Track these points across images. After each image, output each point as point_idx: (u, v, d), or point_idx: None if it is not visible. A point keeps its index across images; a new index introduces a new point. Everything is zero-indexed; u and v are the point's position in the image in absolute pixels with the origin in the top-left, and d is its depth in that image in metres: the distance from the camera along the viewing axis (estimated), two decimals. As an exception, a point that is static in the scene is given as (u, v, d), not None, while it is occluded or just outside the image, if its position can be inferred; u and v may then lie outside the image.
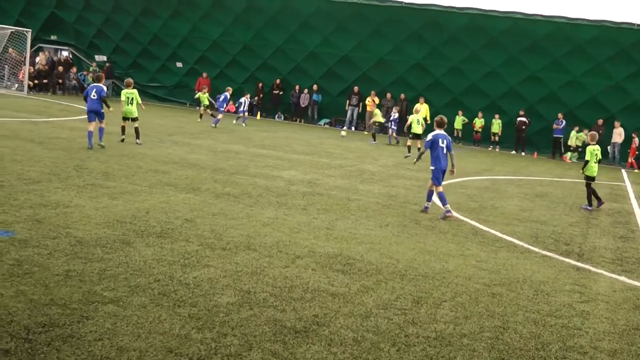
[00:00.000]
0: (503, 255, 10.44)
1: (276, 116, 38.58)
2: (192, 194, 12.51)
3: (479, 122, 34.60)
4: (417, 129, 24.91)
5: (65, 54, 43.41)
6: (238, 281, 7.63)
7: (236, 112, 33.56)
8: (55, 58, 42.01)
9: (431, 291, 8.13)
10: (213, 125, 28.25)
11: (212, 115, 30.41)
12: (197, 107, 34.27)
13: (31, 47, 37.98)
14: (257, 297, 7.18)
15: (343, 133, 32.05)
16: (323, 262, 8.86)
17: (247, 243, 9.37)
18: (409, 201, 14.68)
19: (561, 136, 33.29)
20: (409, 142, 25.40)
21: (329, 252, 9.37)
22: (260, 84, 38.36)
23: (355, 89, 36.36)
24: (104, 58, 42.17)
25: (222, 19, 38.36)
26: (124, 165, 15.06)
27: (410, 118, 25.41)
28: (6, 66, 38.76)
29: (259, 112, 37.74)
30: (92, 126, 17.57)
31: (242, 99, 32.25)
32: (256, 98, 37.99)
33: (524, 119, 33.50)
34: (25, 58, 37.21)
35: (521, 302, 8.10)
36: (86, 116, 17.92)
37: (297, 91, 37.83)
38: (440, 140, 13.27)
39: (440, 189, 13.33)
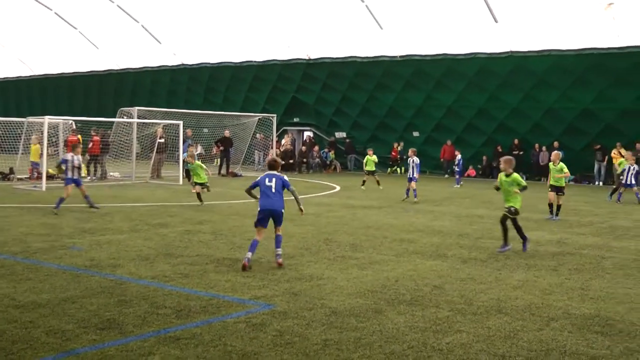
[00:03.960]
0: None
1: (517, 177, 37.81)
2: (439, 261, 12.59)
3: None
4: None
5: (307, 134, 45.79)
6: (492, 345, 7.55)
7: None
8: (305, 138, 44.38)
9: None
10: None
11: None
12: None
13: (276, 131, 40.51)
14: (512, 361, 7.06)
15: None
16: (580, 323, 8.53)
17: (498, 307, 9.25)
18: (670, 256, 13.75)
19: None
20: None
21: (585, 314, 9.00)
22: (498, 147, 37.97)
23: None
24: (344, 134, 43.89)
25: (455, 85, 38.65)
26: (370, 236, 15.50)
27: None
28: (256, 151, 41.63)
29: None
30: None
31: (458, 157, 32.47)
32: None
33: None
34: (272, 141, 39.75)
35: None
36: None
37: (537, 150, 36.99)
38: (267, 180, 11.84)
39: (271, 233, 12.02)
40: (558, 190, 19.74)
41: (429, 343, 7.59)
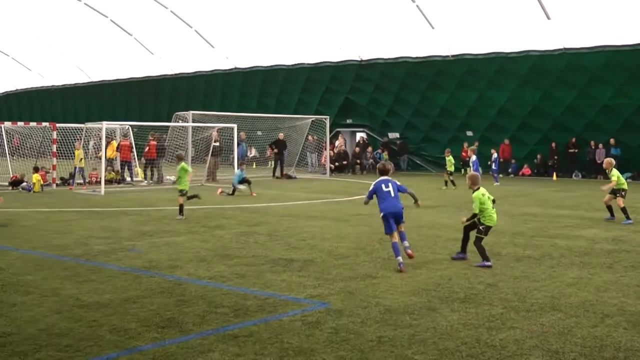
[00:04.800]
0: None
1: (573, 175, 37.42)
2: (493, 259, 12.59)
3: None
4: None
5: (360, 135, 45.92)
6: (545, 342, 7.61)
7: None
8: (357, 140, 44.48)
9: None
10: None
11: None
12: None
13: (330, 132, 40.74)
14: (566, 357, 7.11)
15: None
16: (635, 320, 8.52)
17: (552, 304, 9.28)
18: None
19: None
20: None
21: (640, 310, 8.99)
22: (553, 144, 37.59)
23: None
24: (397, 135, 43.92)
25: (508, 84, 38.35)
26: (423, 235, 15.59)
27: None
28: (307, 152, 41.96)
29: (554, 173, 36.84)
30: None
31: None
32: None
33: None
34: (325, 143, 39.99)
35: None
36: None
37: (593, 147, 36.51)
38: (383, 186, 12.24)
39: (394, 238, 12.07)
40: (617, 192, 18.47)
41: (482, 339, 7.68)
